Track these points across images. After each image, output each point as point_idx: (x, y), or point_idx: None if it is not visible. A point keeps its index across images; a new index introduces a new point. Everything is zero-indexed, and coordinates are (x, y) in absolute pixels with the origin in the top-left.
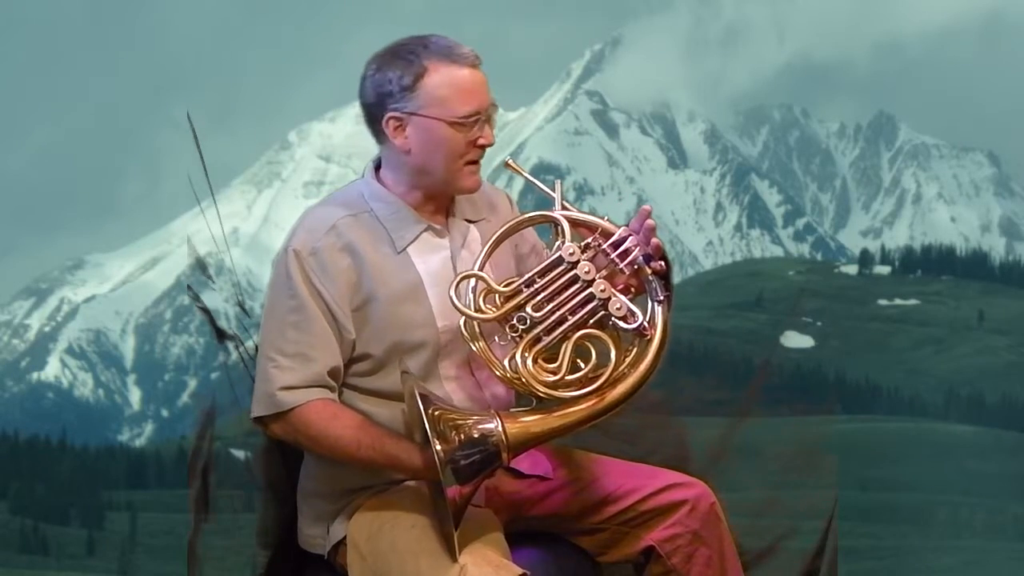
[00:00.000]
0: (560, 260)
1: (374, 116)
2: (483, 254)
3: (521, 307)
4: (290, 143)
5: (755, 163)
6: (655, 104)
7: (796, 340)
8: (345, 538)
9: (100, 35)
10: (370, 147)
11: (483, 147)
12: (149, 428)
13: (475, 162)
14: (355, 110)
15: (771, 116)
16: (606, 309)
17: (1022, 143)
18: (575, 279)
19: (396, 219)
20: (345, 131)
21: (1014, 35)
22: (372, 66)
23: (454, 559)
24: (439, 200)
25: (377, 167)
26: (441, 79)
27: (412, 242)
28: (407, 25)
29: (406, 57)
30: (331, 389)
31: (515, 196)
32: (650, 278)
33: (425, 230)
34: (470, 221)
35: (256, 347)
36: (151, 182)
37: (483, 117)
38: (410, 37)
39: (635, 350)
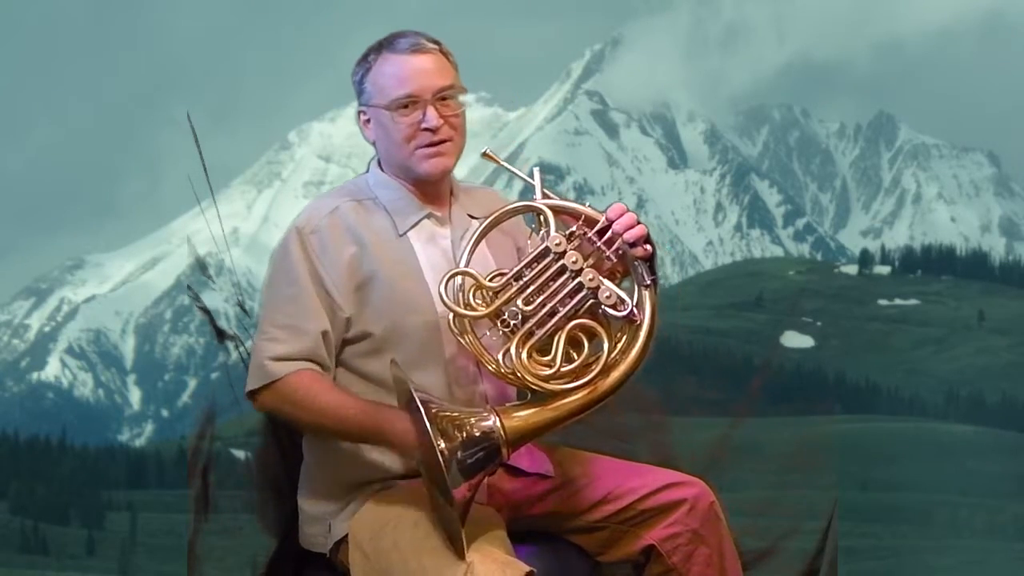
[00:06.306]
0: (547, 251)
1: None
2: (467, 250)
3: (511, 301)
4: (290, 143)
5: (755, 163)
6: (655, 104)
7: (796, 340)
8: (347, 536)
9: (100, 35)
10: (369, 147)
11: (429, 130)
12: (149, 428)
13: (428, 145)
14: (355, 110)
15: (771, 116)
16: (596, 298)
17: (1022, 143)
18: (563, 269)
19: (399, 204)
20: (345, 131)
21: (1014, 35)
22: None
23: (462, 557)
24: (423, 187)
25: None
26: (381, 68)
27: (413, 227)
28: (406, 26)
29: (365, 56)
30: (322, 367)
31: (499, 189)
32: (636, 263)
33: (427, 216)
34: (472, 216)
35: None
36: (151, 182)
37: (424, 100)
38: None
39: (624, 337)
